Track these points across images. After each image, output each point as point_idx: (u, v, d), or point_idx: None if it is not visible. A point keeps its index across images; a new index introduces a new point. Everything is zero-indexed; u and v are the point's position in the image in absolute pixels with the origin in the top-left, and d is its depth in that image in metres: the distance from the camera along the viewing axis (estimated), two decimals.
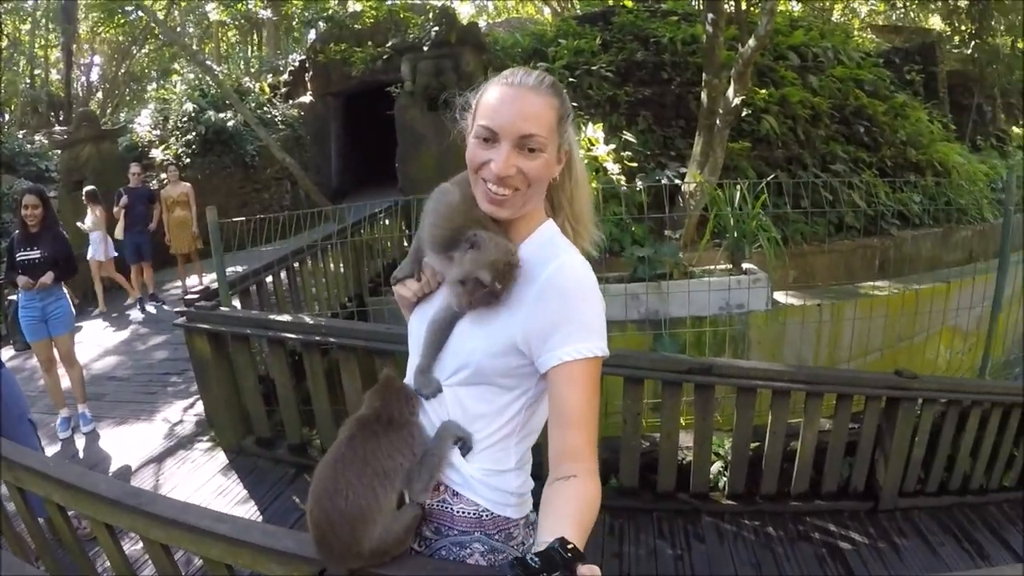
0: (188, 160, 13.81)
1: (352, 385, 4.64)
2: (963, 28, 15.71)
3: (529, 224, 1.68)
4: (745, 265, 7.66)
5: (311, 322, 4.98)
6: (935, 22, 21.64)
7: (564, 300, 1.54)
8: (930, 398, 4.83)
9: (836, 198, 10.72)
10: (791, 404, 4.56)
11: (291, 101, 17.20)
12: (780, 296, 7.98)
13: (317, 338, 4.71)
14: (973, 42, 16.14)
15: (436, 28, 10.16)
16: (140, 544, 2.93)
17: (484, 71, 10.52)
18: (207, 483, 4.91)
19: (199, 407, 5.99)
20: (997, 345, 6.18)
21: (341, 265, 8.03)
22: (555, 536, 1.27)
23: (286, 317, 5.19)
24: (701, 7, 12.86)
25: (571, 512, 1.39)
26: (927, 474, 5.07)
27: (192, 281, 10.80)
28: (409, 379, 1.77)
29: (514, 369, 1.61)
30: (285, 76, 18.11)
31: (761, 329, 7.40)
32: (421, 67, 10.33)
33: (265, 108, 16.06)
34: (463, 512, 1.70)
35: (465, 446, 1.66)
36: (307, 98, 17.26)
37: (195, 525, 2.02)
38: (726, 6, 10.21)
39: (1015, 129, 21.80)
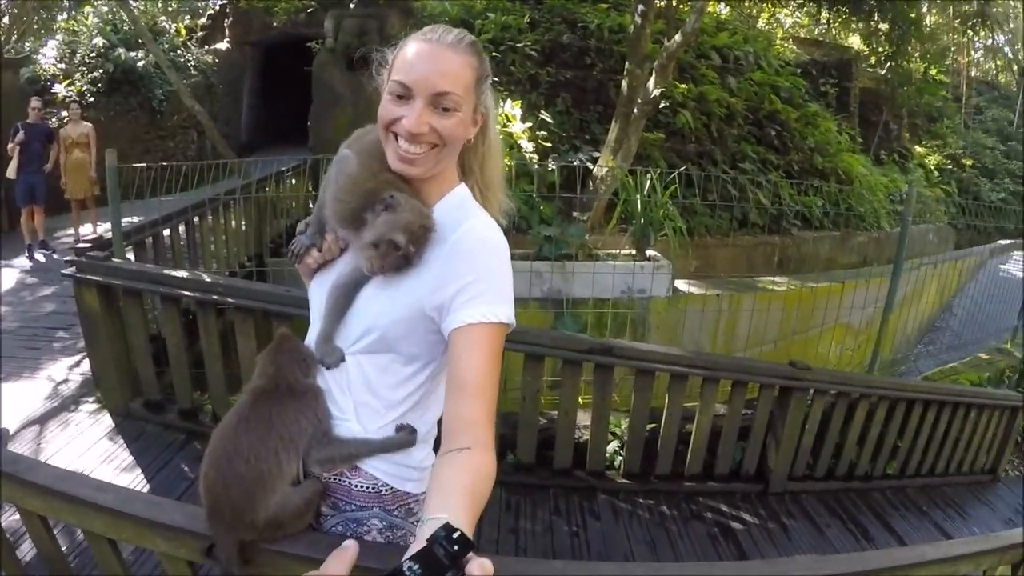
0: (92, 99, 13.10)
1: (248, 348, 4.45)
2: (881, 50, 16.33)
3: (441, 187, 1.63)
4: (649, 252, 7.82)
5: (209, 280, 4.72)
6: (854, 41, 22.35)
7: (472, 262, 1.49)
8: (821, 389, 5.13)
9: (742, 195, 11.03)
10: (688, 388, 4.73)
11: (207, 47, 16.57)
12: (681, 284, 8.18)
13: (215, 297, 4.48)
14: (888, 64, 16.80)
15: None
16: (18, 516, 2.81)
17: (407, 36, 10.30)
18: (91, 448, 4.60)
19: (86, 365, 5.63)
20: (886, 344, 6.51)
21: (243, 223, 7.72)
22: (441, 516, 1.13)
23: (183, 273, 4.89)
24: None
25: (464, 486, 1.27)
26: (815, 460, 5.41)
27: (86, 230, 10.14)
28: (310, 346, 1.69)
29: (421, 336, 1.56)
30: (203, 19, 17.46)
31: (661, 315, 7.58)
32: (345, 25, 10.03)
33: (179, 51, 15.35)
34: (361, 486, 1.65)
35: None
36: (223, 45, 16.63)
37: (75, 495, 1.86)
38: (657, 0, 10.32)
39: (917, 148, 22.87)
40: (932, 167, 22.88)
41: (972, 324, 10.52)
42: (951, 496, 6.24)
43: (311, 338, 1.70)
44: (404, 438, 1.60)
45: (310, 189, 9.15)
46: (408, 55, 1.49)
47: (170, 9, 17.77)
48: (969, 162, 26.48)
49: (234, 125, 16.28)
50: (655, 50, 9.86)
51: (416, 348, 1.58)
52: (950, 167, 24.64)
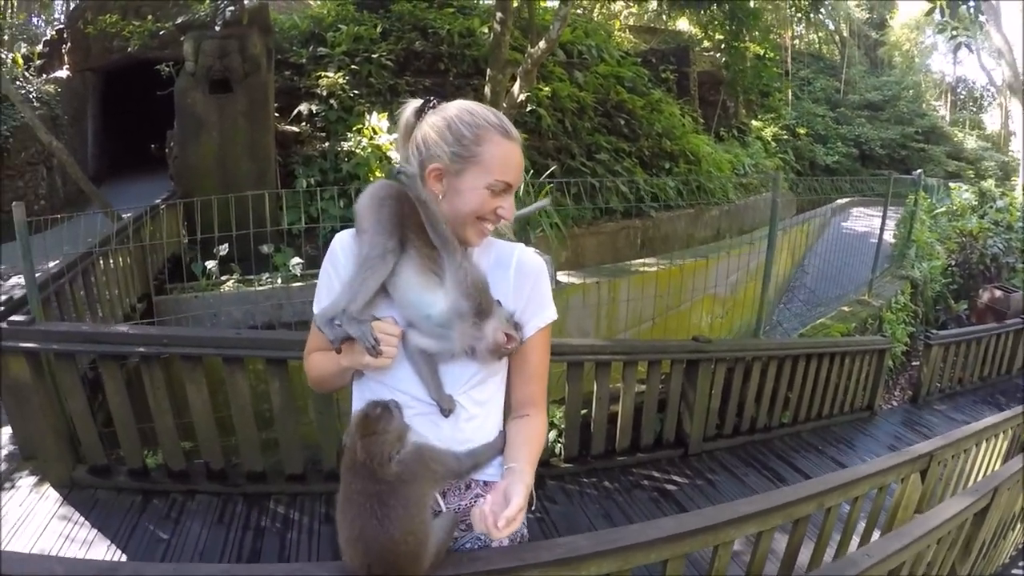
0: None
1: (199, 397, 4.31)
2: (719, 36, 17.35)
3: None
4: (530, 249, 8.19)
5: (154, 332, 4.48)
6: (683, 24, 23.46)
7: (529, 284, 1.88)
8: (721, 358, 5.86)
9: (601, 184, 11.73)
10: (610, 372, 5.24)
11: (45, 76, 15.83)
12: (561, 276, 8.61)
13: (165, 349, 4.23)
14: (722, 46, 17.81)
15: (231, 8, 9.57)
16: None
17: (267, 54, 10.30)
18: (47, 528, 3.99)
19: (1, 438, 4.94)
20: (750, 310, 7.22)
21: (130, 262, 7.39)
22: (514, 465, 1.74)
23: (123, 328, 4.65)
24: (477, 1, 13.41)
25: (529, 444, 1.83)
26: (723, 420, 6.13)
27: None
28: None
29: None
30: (40, 47, 16.70)
31: None
32: (205, 47, 9.72)
33: (19, 83, 14.67)
34: None
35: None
36: (63, 73, 15.90)
37: None
38: (514, 4, 10.68)
39: (754, 122, 24.45)
40: (769, 139, 24.63)
41: (825, 280, 11.53)
42: (839, 433, 7.21)
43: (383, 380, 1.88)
44: (502, 440, 1.92)
45: (183, 225, 8.93)
46: (503, 157, 1.74)
47: (5, 38, 16.88)
48: (803, 131, 28.67)
49: (81, 156, 15.31)
50: (514, 55, 10.23)
51: (500, 364, 1.90)
52: (785, 137, 26.59)
